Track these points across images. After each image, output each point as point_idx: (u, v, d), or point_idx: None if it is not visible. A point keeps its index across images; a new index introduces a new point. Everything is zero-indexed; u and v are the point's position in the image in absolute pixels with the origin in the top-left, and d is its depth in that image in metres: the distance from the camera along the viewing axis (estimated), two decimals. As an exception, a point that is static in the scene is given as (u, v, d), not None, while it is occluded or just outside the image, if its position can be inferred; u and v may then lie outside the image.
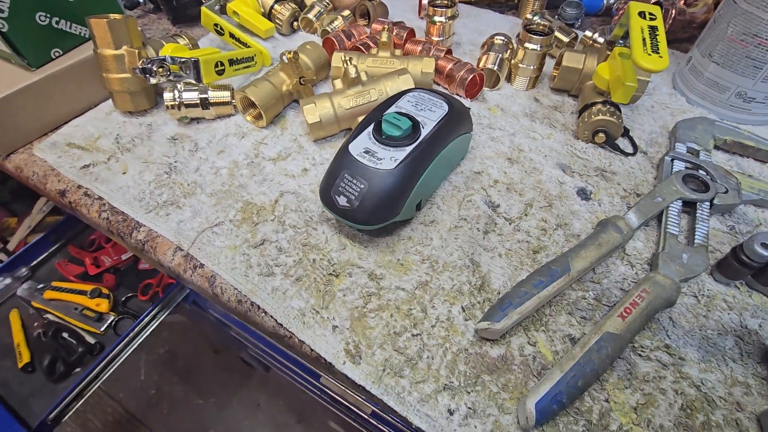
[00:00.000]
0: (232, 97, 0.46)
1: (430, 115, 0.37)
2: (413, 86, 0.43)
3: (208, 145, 0.45)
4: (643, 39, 0.36)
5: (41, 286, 1.01)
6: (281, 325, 0.32)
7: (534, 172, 0.41)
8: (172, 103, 0.45)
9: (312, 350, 0.31)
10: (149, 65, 0.43)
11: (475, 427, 0.27)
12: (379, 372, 0.29)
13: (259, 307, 0.33)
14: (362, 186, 0.33)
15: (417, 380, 0.29)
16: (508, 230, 0.37)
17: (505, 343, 0.30)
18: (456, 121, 0.37)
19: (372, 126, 0.35)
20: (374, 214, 0.33)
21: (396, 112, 0.36)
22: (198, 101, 0.45)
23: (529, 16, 0.55)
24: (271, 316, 0.32)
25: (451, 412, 0.28)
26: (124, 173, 0.42)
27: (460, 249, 0.35)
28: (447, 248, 0.36)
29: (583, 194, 0.39)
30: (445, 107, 0.37)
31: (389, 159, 0.33)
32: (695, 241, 0.34)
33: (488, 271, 0.34)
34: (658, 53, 0.35)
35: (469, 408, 0.28)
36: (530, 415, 0.26)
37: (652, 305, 0.30)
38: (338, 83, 0.44)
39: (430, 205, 0.39)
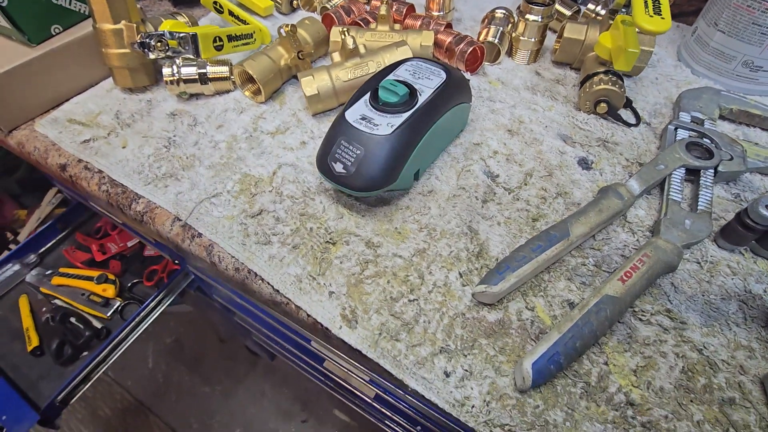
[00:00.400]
0: (231, 72, 0.46)
1: (428, 83, 0.36)
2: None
3: (207, 120, 0.45)
4: (645, 2, 0.35)
5: (49, 272, 1.02)
6: (278, 291, 0.32)
7: (534, 142, 0.41)
8: (171, 78, 0.45)
9: (309, 316, 0.31)
10: (147, 40, 0.43)
11: (472, 388, 0.27)
12: (375, 336, 0.29)
13: (256, 275, 0.33)
14: (359, 152, 0.32)
15: (413, 344, 0.29)
16: (507, 199, 0.36)
17: (502, 308, 0.30)
18: (454, 89, 0.37)
19: (369, 93, 0.35)
20: (371, 180, 0.33)
21: (393, 80, 0.35)
22: (197, 76, 0.45)
23: (531, -11, 0.54)
24: (268, 283, 0.32)
25: (447, 375, 0.27)
26: (123, 147, 0.43)
27: (458, 217, 0.35)
28: (445, 216, 0.35)
29: (584, 164, 0.39)
30: (443, 75, 0.37)
31: (386, 125, 0.33)
32: (698, 207, 0.33)
33: (486, 238, 0.34)
34: (660, 15, 0.34)
35: (466, 370, 0.27)
36: (527, 375, 0.26)
37: (653, 269, 0.29)
38: (336, 56, 0.44)
39: (428, 176, 0.38)
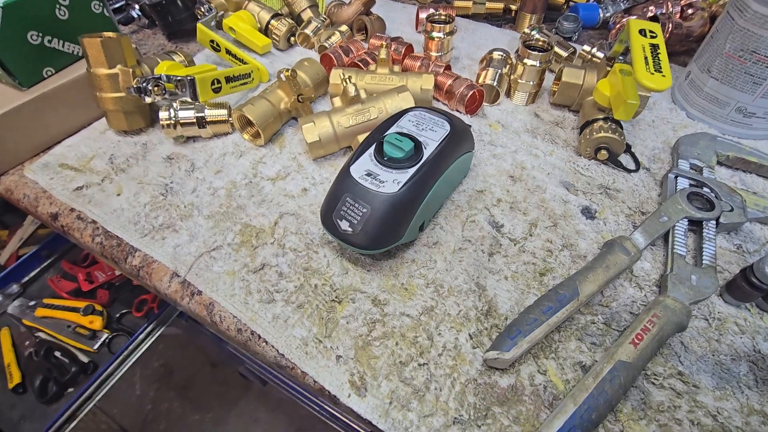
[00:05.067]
0: (230, 115, 0.45)
1: (432, 135, 0.36)
2: (413, 103, 0.42)
3: (205, 164, 0.44)
4: (645, 58, 0.36)
5: (33, 303, 0.99)
6: (283, 355, 0.31)
7: (537, 190, 0.41)
8: (168, 122, 0.44)
9: (315, 382, 0.30)
10: (144, 84, 0.42)
11: (486, 462, 0.26)
12: (385, 405, 0.28)
13: (259, 337, 0.32)
14: (365, 210, 0.32)
15: (425, 413, 0.28)
16: (513, 251, 0.36)
17: (514, 372, 0.29)
18: (458, 140, 0.37)
19: (373, 147, 0.35)
20: (377, 238, 0.32)
21: (398, 133, 0.35)
22: (194, 120, 0.44)
23: (527, 30, 0.55)
24: (272, 346, 0.31)
25: (461, 447, 0.27)
26: (118, 195, 0.41)
27: (465, 272, 0.35)
28: (452, 271, 0.35)
29: (588, 213, 0.39)
30: (447, 126, 0.37)
31: (392, 182, 0.32)
32: (703, 261, 0.34)
33: (495, 295, 0.33)
34: (661, 72, 0.35)
35: (480, 442, 0.27)
36: (543, 450, 0.25)
37: (664, 330, 0.29)
38: (337, 101, 0.44)
39: (433, 226, 0.38)
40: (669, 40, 0.54)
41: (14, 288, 0.99)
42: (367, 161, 0.34)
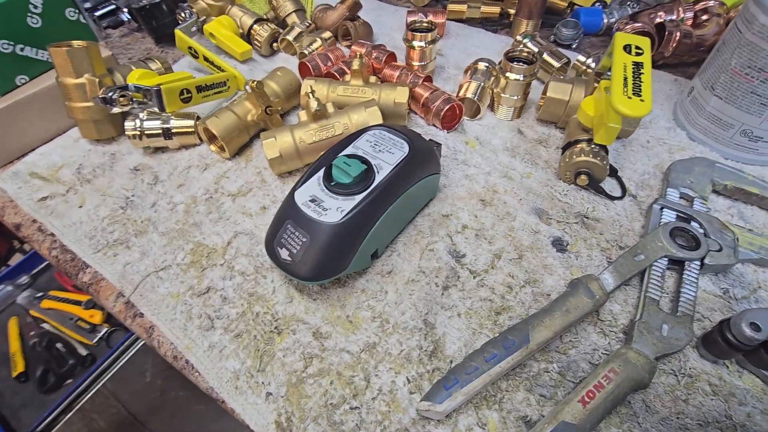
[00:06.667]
0: (196, 126, 0.44)
1: (388, 157, 0.34)
2: (380, 119, 0.40)
3: (168, 177, 0.43)
4: (625, 78, 0.32)
5: (40, 294, 1.03)
6: (212, 388, 0.30)
7: (507, 217, 0.38)
8: (134, 132, 0.43)
9: (242, 419, 0.28)
10: (110, 94, 0.41)
11: None
12: (308, 451, 0.27)
13: (193, 366, 0.31)
14: (305, 239, 0.30)
15: (348, 464, 0.26)
16: (471, 285, 0.34)
17: (451, 424, 0.27)
18: (418, 163, 0.34)
19: (323, 171, 0.33)
20: (316, 269, 0.30)
21: (348, 155, 0.33)
22: (160, 131, 0.44)
23: (518, 38, 0.51)
24: (204, 378, 0.30)
25: (381, 505, 0.25)
26: (80, 207, 0.41)
27: (414, 307, 0.32)
28: (401, 305, 0.33)
29: (559, 245, 0.36)
30: (406, 148, 0.34)
31: (335, 210, 0.31)
32: (679, 308, 0.30)
33: (443, 333, 0.31)
34: (640, 96, 0.31)
35: (403, 501, 0.25)
36: None
37: (620, 388, 0.26)
38: (303, 115, 0.42)
39: (390, 252, 0.36)
40: (677, 50, 0.50)
41: (24, 279, 1.02)
42: (314, 186, 0.32)
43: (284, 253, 0.31)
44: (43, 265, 1.07)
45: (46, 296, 1.00)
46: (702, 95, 0.42)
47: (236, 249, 0.37)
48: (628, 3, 0.59)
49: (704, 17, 0.52)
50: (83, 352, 0.93)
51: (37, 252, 0.40)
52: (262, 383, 0.29)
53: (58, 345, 0.92)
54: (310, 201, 0.31)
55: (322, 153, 0.41)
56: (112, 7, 0.62)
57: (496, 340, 0.29)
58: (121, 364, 0.89)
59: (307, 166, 0.43)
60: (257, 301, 0.34)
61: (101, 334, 0.95)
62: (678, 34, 0.49)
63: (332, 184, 0.32)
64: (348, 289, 0.34)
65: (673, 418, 0.27)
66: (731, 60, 0.38)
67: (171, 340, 0.32)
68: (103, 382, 0.89)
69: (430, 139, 0.39)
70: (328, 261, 0.30)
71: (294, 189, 0.32)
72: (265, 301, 0.33)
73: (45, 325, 0.96)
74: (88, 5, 0.61)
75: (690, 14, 0.52)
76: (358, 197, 0.31)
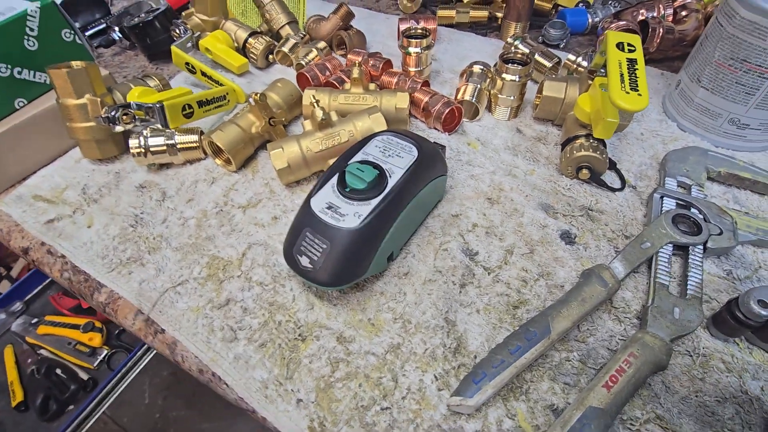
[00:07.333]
0: (201, 140, 0.45)
1: (399, 161, 0.35)
2: (385, 125, 0.41)
3: (177, 193, 0.43)
4: (621, 75, 0.33)
5: (35, 320, 1.00)
6: (242, 398, 0.30)
7: (515, 213, 0.39)
8: (138, 150, 0.43)
9: (275, 428, 0.29)
10: (113, 113, 0.41)
11: None
12: (343, 454, 0.27)
13: (220, 379, 0.31)
14: (324, 246, 0.31)
15: (384, 463, 0.26)
16: (487, 281, 0.34)
17: (481, 417, 0.28)
18: (427, 166, 0.35)
19: (336, 177, 0.34)
20: (338, 275, 0.31)
21: (360, 162, 0.34)
22: (164, 147, 0.44)
23: (510, 40, 0.53)
24: (233, 389, 0.30)
25: (421, 501, 0.25)
26: (89, 227, 0.41)
27: (434, 306, 0.33)
28: (420, 305, 0.33)
29: (568, 237, 0.37)
30: (415, 152, 0.35)
31: (353, 215, 0.31)
32: (687, 291, 0.31)
33: (464, 330, 0.32)
34: (637, 90, 0.32)
35: (441, 495, 0.25)
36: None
37: (641, 371, 0.27)
38: (307, 124, 0.43)
39: (405, 254, 0.37)
40: (661, 46, 0.52)
41: (18, 305, 1.00)
42: (329, 192, 0.33)
43: (304, 261, 0.31)
44: (36, 291, 1.04)
45: (42, 322, 0.98)
46: (689, 87, 0.44)
47: (252, 260, 0.37)
48: (611, 2, 0.61)
49: (683, 13, 0.54)
50: (84, 376, 0.91)
51: (47, 274, 0.40)
52: (292, 390, 0.30)
53: (58, 371, 0.90)
54: (327, 208, 0.32)
55: (329, 161, 0.42)
56: (103, 26, 0.61)
57: (518, 332, 0.29)
58: (123, 387, 0.87)
59: (315, 175, 0.44)
60: (278, 309, 0.34)
61: (102, 356, 0.93)
62: (661, 30, 0.51)
63: (347, 190, 0.32)
64: (367, 292, 0.35)
65: (692, 397, 0.28)
66: (715, 53, 0.40)
67: (195, 354, 0.32)
68: (107, 405, 0.88)
69: (434, 142, 0.40)
70: (348, 266, 0.31)
71: (309, 197, 0.33)
72: (286, 310, 0.34)
73: (43, 352, 0.94)
74: (78, 25, 0.61)
75: (670, 11, 0.55)
76: (374, 201, 0.32)
